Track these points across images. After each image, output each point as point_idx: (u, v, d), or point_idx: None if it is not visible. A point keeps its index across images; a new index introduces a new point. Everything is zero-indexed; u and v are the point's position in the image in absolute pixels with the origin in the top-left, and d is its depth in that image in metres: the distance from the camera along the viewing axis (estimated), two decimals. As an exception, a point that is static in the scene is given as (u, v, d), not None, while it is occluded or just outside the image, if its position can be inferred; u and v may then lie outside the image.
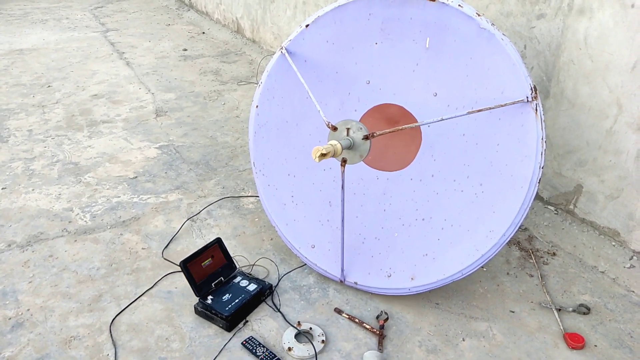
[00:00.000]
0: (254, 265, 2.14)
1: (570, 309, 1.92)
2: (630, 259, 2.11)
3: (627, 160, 2.07)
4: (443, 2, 1.79)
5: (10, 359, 1.70)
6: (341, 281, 2.02)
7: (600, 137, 2.14)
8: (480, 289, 2.03)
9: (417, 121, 1.95)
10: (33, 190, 2.69)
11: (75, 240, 2.30)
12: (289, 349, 1.74)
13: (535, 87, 1.71)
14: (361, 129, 1.58)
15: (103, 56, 5.04)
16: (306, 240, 2.10)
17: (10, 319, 1.87)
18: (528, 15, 2.30)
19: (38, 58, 4.93)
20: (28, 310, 1.91)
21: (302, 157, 2.14)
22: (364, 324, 1.85)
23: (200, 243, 2.27)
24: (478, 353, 1.74)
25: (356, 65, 2.02)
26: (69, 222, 2.44)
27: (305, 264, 2.14)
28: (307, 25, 2.03)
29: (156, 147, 3.18)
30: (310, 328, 1.81)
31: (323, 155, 1.45)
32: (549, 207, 2.45)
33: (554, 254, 2.23)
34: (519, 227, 1.76)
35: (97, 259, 2.18)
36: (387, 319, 1.86)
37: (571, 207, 2.35)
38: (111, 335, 1.80)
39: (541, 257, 2.21)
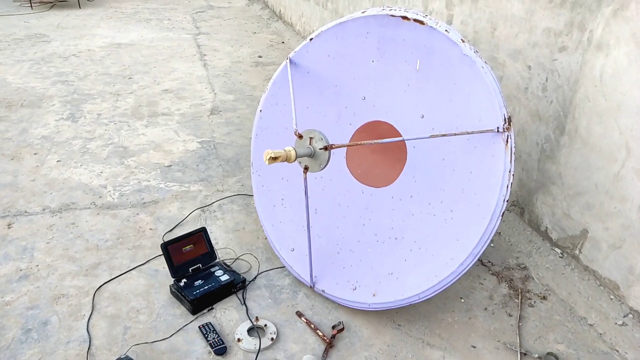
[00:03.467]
0: (237, 258, 2.26)
1: (536, 355, 1.82)
2: (624, 316, 1.95)
3: (631, 208, 1.92)
4: (431, 27, 1.80)
5: (7, 304, 1.97)
6: (311, 287, 2.08)
7: (607, 181, 2.01)
8: (450, 319, 1.99)
9: (404, 141, 1.97)
10: (81, 165, 3.04)
11: (98, 214, 2.58)
12: (239, 339, 1.83)
13: (509, 118, 1.66)
14: (322, 139, 1.64)
15: (186, 56, 5.48)
16: (287, 243, 2.19)
17: (20, 270, 2.15)
18: (551, 47, 2.21)
19: (131, 53, 5.49)
20: (37, 266, 2.19)
21: (296, 163, 2.24)
22: (318, 331, 1.89)
23: (200, 232, 2.44)
24: (419, 379, 1.72)
25: (354, 81, 2.08)
26: (100, 197, 2.73)
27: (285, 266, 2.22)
28: (311, 39, 2.13)
29: (198, 142, 3.44)
30: (265, 325, 1.89)
31: (273, 159, 1.53)
32: (556, 249, 2.31)
33: (545, 297, 2.11)
34: (478, 259, 1.71)
35: (109, 232, 2.43)
36: (342, 329, 1.89)
37: (577, 252, 2.21)
38: (93, 299, 2.01)
39: (529, 298, 2.11)
